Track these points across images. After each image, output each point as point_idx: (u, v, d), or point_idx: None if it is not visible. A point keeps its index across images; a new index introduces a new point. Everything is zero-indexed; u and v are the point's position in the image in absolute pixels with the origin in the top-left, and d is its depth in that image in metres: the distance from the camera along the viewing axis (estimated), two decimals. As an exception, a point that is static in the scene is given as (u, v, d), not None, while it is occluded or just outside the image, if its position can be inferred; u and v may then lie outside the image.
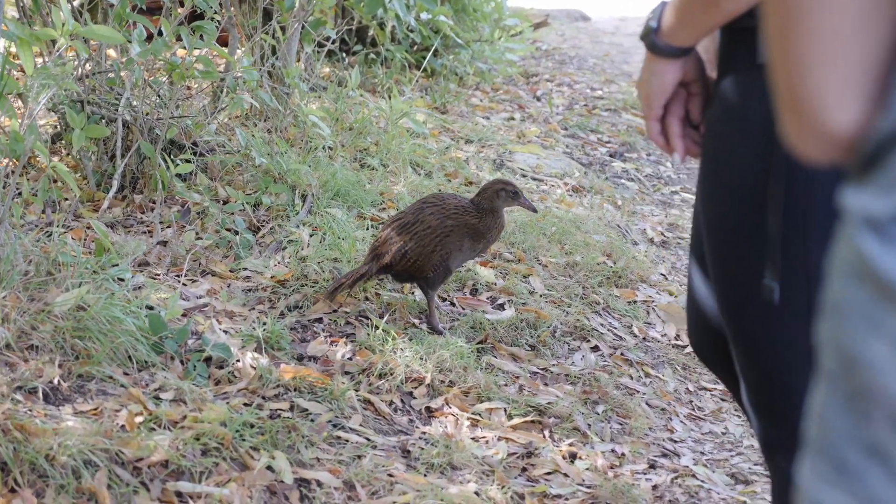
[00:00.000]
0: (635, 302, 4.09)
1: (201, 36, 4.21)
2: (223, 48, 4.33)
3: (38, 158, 4.09)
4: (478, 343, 3.50)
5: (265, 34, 4.85)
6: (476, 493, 2.71)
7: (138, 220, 4.05)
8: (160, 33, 3.96)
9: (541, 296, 3.87)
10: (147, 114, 4.22)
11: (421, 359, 3.28)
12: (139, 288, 3.41)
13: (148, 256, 3.73)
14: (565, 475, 2.96)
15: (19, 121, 3.30)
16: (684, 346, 3.90)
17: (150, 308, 3.25)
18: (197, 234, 3.96)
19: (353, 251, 3.81)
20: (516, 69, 7.93)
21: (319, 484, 2.65)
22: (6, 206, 3.16)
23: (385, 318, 3.46)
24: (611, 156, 6.34)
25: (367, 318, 3.50)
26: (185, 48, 4.07)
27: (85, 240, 3.72)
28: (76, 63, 4.08)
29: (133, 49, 3.86)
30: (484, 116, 6.52)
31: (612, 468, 3.05)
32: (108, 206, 4.00)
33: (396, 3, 6.04)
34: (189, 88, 4.72)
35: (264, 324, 3.32)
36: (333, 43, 5.51)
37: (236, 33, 5.11)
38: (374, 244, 3.53)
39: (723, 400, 3.68)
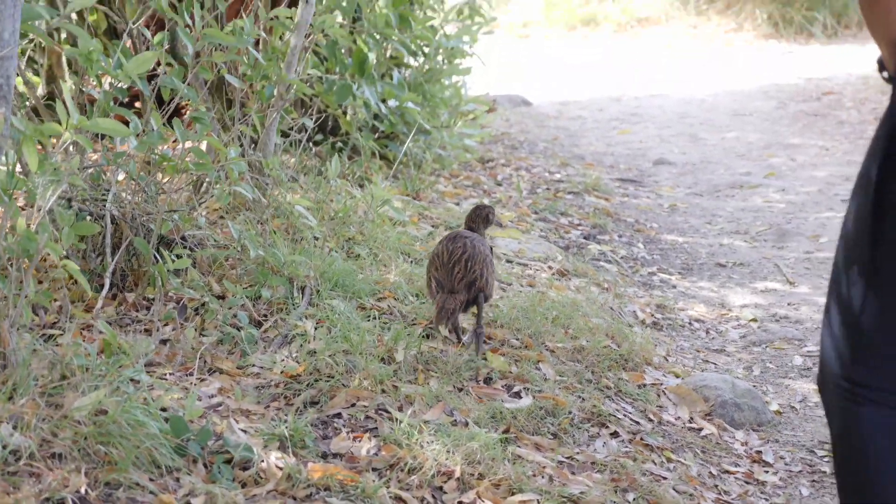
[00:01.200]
0: (644, 385, 4.05)
1: (189, 126, 4.16)
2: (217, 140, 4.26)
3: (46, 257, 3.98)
4: (503, 433, 3.42)
5: (244, 125, 4.80)
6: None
7: (133, 318, 3.95)
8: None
9: (554, 382, 3.82)
10: (135, 208, 4.13)
11: (448, 451, 3.19)
12: (150, 388, 3.31)
13: (155, 357, 3.62)
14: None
15: (24, 219, 3.20)
16: (699, 429, 3.87)
17: (164, 409, 3.15)
18: (197, 331, 3.86)
19: (363, 343, 3.73)
20: (475, 155, 7.93)
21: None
22: (18, 309, 3.06)
23: (409, 412, 3.38)
24: (585, 238, 6.35)
25: (387, 410, 3.42)
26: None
27: (84, 341, 3.60)
28: (80, 158, 3.98)
29: (130, 142, 3.78)
30: (454, 202, 6.50)
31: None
32: (102, 306, 3.89)
33: (367, 91, 6.03)
34: (171, 181, 4.63)
35: (285, 421, 3.22)
36: (306, 132, 5.47)
37: (215, 125, 5.05)
38: (459, 276, 3.95)
39: (747, 483, 3.64)
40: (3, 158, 3.07)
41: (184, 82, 4.21)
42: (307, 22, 5.08)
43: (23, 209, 3.71)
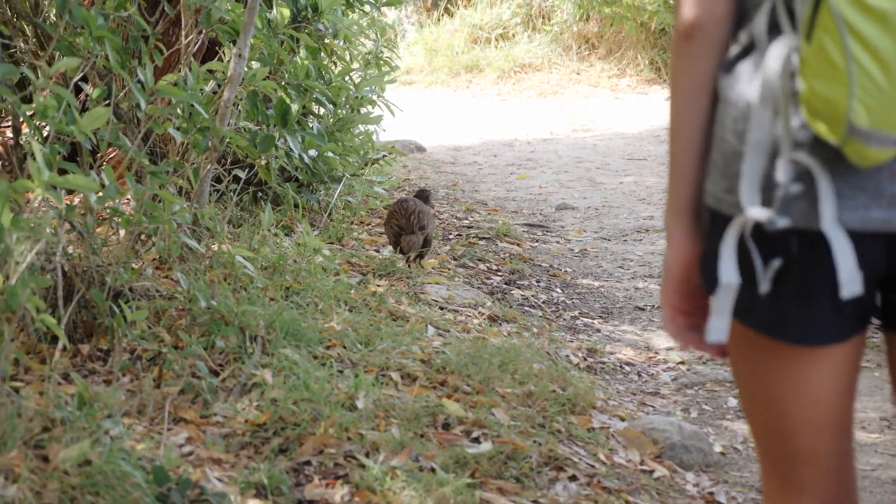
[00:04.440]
0: (593, 429, 4.18)
1: (139, 180, 4.23)
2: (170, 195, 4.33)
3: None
4: (469, 478, 3.53)
5: (178, 178, 4.87)
6: None
7: (90, 370, 3.99)
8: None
9: (508, 427, 3.93)
10: (83, 261, 4.18)
11: (421, 497, 3.29)
12: (119, 438, 3.36)
13: (121, 407, 3.67)
14: None
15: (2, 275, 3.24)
16: (651, 471, 4.00)
17: (139, 459, 3.21)
18: (156, 381, 3.91)
19: (323, 390, 3.82)
20: (384, 202, 8.05)
21: None
22: (0, 363, 3.11)
23: (380, 460, 3.48)
24: (506, 283, 6.50)
25: (355, 457, 3.51)
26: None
27: (43, 392, 3.64)
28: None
29: (91, 197, 3.83)
30: (374, 249, 6.61)
31: None
32: (59, 357, 3.93)
33: (290, 142, 6.12)
34: (115, 234, 4.68)
35: (258, 469, 3.30)
36: (239, 183, 5.55)
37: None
38: (415, 222, 6.02)
39: (702, 521, 3.79)
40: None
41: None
42: (240, 76, 5.17)
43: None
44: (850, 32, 1.73)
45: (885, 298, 2.02)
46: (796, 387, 2.06)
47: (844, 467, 2.16)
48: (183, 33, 5.59)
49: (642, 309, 6.37)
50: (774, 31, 1.92)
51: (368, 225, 7.47)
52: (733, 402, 4.86)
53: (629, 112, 15.00)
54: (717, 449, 4.31)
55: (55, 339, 3.90)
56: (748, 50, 1.98)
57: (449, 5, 21.11)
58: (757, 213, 1.90)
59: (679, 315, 2.17)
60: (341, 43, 7.52)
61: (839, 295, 1.91)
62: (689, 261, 2.12)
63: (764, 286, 1.95)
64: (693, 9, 1.99)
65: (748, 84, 1.95)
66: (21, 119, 4.82)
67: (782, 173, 1.88)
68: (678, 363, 5.40)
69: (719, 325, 2.00)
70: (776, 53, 1.88)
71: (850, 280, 1.88)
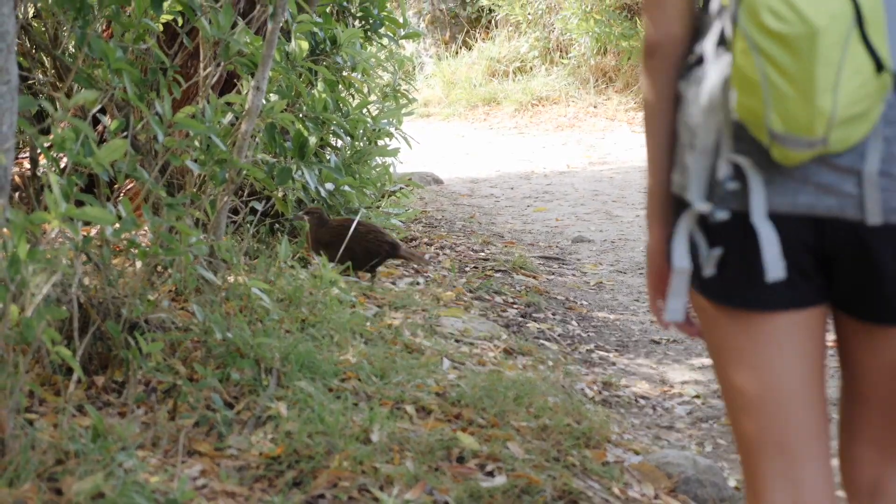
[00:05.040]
0: (608, 463, 4.16)
1: (156, 212, 4.24)
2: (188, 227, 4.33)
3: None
4: (484, 512, 3.52)
5: (195, 209, 4.88)
6: None
7: (105, 401, 3.98)
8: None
9: (523, 461, 3.92)
10: (98, 292, 4.19)
11: (437, 531, 3.29)
12: (133, 471, 3.36)
13: (135, 439, 3.66)
14: None
15: (17, 307, 3.25)
16: (665, 505, 4.00)
17: (153, 492, 3.21)
18: (170, 413, 3.91)
19: (338, 423, 3.82)
20: (400, 234, 8.06)
21: None
22: (14, 396, 3.11)
23: (394, 493, 3.47)
24: (522, 316, 6.49)
25: (370, 490, 3.50)
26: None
27: (57, 424, 3.64)
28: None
29: (107, 229, 3.85)
30: (390, 282, 6.62)
31: None
32: (73, 389, 3.93)
33: (307, 174, 6.15)
34: (132, 265, 4.68)
35: (272, 503, 3.29)
36: (256, 215, 5.57)
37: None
38: (380, 237, 6.42)
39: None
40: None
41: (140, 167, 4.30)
42: (258, 108, 5.18)
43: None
44: (759, 52, 2.00)
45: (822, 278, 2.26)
46: (754, 353, 2.28)
47: (819, 456, 2.31)
48: (201, 66, 5.62)
49: (657, 342, 6.35)
50: (721, 48, 2.18)
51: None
52: (748, 436, 4.83)
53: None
54: (732, 483, 4.28)
55: (70, 370, 3.90)
56: (700, 61, 2.23)
57: (467, 38, 21.21)
58: (702, 206, 2.18)
59: (659, 297, 2.43)
60: (359, 75, 7.56)
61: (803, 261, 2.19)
62: (664, 248, 2.37)
63: (708, 269, 2.22)
64: (653, 30, 2.30)
65: (696, 94, 2.22)
66: (38, 150, 4.85)
67: (722, 172, 2.16)
68: (693, 397, 5.39)
69: (675, 305, 2.28)
70: (717, 69, 2.15)
71: (773, 266, 2.13)
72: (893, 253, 2.13)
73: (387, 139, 8.08)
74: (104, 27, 5.74)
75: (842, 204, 2.12)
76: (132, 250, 4.21)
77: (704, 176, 2.20)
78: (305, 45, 6.10)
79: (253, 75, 5.25)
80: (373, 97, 8.02)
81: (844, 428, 2.42)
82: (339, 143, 7.54)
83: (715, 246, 2.21)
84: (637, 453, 4.36)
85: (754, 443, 2.33)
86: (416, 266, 7.30)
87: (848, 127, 2.04)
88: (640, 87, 17.95)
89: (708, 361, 5.95)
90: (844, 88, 2.00)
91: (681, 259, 2.25)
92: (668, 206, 2.36)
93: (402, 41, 9.60)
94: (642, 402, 5.30)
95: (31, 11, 5.40)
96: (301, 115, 6.27)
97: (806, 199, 2.13)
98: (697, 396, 5.39)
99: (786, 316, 2.25)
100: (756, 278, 2.21)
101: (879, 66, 2.02)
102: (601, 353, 6.09)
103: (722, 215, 2.18)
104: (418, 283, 6.77)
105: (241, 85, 6.32)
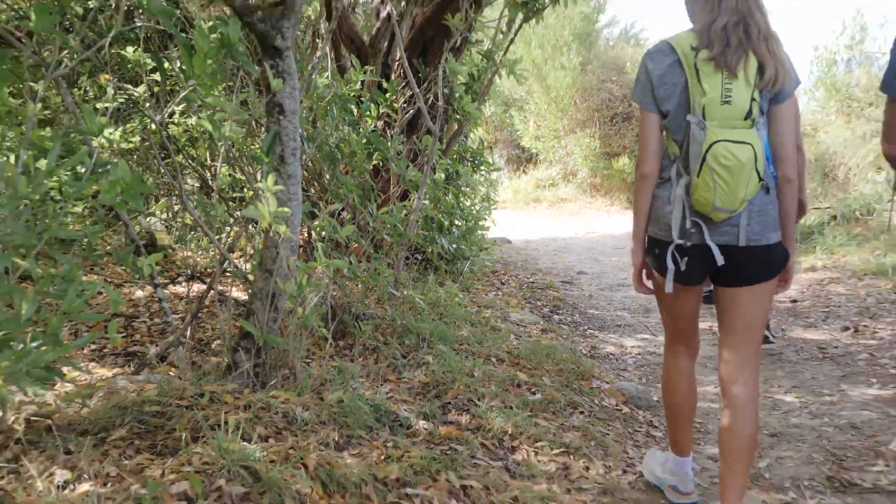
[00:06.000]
0: (592, 388, 4.04)
1: (368, 259, 4.27)
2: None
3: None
4: (529, 412, 3.46)
5: (388, 258, 4.92)
6: None
7: (343, 355, 3.99)
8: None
9: (550, 385, 3.85)
10: (341, 298, 4.23)
11: (503, 421, 3.24)
12: (356, 389, 3.36)
13: (358, 374, 3.69)
14: None
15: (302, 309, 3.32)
16: (620, 409, 3.86)
17: (367, 400, 3.22)
18: (375, 361, 3.94)
19: (457, 367, 3.82)
20: (489, 269, 8.02)
21: None
22: (300, 351, 3.15)
23: (485, 402, 3.45)
24: (551, 312, 6.41)
25: (473, 401, 3.46)
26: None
27: (320, 366, 3.67)
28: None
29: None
30: (485, 294, 6.60)
31: None
32: (328, 348, 3.96)
33: (443, 240, 6.18)
34: (356, 286, 4.73)
35: (424, 405, 3.28)
36: (419, 260, 5.57)
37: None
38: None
39: (647, 436, 3.67)
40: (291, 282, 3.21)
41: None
42: (419, 208, 5.20)
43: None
44: (715, 173, 2.27)
45: (716, 271, 2.46)
46: (682, 302, 2.60)
47: (694, 332, 2.72)
48: (391, 187, 5.70)
49: (619, 326, 6.21)
50: (679, 174, 2.38)
51: (481, 281, 7.44)
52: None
53: (616, 224, 14.77)
54: (655, 398, 4.17)
55: (326, 339, 3.99)
56: (666, 180, 2.43)
57: (525, 168, 21.13)
58: (679, 240, 2.40)
59: (637, 280, 2.62)
60: (469, 189, 7.58)
61: (715, 263, 2.40)
62: (642, 261, 2.59)
63: (682, 267, 2.43)
64: (646, 167, 2.45)
65: (669, 194, 2.41)
66: (310, 229, 4.94)
67: (688, 224, 2.38)
68: (637, 354, 5.25)
69: (670, 285, 2.46)
70: (681, 184, 2.37)
71: (719, 258, 2.36)
72: (747, 258, 2.37)
73: (483, 221, 8.06)
74: (343, 167, 5.87)
75: (732, 237, 2.36)
76: (356, 280, 4.26)
77: (677, 226, 2.38)
78: (443, 175, 6.15)
79: (417, 190, 5.32)
80: (476, 199, 8.02)
81: (720, 344, 2.56)
82: (460, 223, 7.55)
83: (684, 258, 2.41)
84: (607, 383, 4.28)
85: (672, 328, 2.69)
86: (497, 286, 7.26)
87: (742, 204, 2.30)
88: (619, 195, 17.94)
89: (644, 335, 5.83)
90: (747, 189, 2.28)
91: (671, 265, 2.43)
92: (644, 242, 2.55)
93: (493, 171, 9.58)
94: (611, 356, 5.19)
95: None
96: (440, 211, 6.31)
97: (721, 236, 2.37)
98: (639, 354, 5.26)
99: (696, 287, 2.56)
100: (695, 274, 2.45)
101: (760, 179, 2.28)
102: (591, 331, 5.98)
103: (688, 244, 2.40)
104: (498, 293, 6.74)
105: (411, 196, 6.38)
